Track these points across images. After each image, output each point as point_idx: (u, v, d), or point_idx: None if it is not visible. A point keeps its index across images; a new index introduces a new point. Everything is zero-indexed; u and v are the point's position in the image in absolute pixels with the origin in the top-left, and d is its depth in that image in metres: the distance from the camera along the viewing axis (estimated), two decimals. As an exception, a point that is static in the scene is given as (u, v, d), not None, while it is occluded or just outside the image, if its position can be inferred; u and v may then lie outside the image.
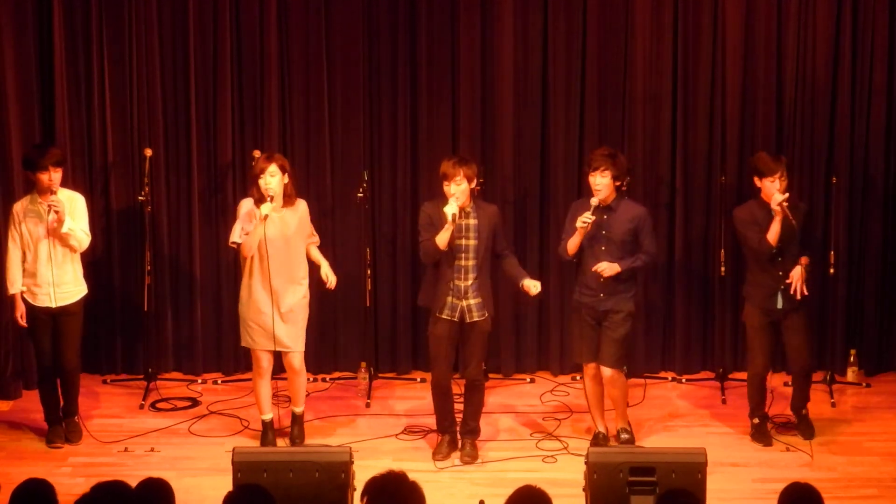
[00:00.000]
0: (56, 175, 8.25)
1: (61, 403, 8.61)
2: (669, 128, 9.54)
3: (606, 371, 8.30)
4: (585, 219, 8.10)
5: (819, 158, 9.45)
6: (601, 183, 8.16)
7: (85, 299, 8.58)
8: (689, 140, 9.54)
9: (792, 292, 8.30)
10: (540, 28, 9.45)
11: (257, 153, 8.87)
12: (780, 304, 8.38)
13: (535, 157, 9.58)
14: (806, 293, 8.33)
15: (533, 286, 8.25)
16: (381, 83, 9.52)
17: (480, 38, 9.47)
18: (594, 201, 8.14)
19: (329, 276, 8.51)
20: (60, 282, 8.37)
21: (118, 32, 9.37)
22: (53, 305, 8.39)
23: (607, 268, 8.15)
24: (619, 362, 8.34)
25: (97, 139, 9.45)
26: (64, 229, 8.25)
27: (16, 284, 8.39)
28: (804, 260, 8.38)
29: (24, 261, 8.37)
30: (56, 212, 8.21)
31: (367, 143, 9.58)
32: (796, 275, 8.31)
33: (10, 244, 8.40)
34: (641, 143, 9.49)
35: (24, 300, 8.41)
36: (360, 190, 9.22)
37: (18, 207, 8.40)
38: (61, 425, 8.59)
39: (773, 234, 8.25)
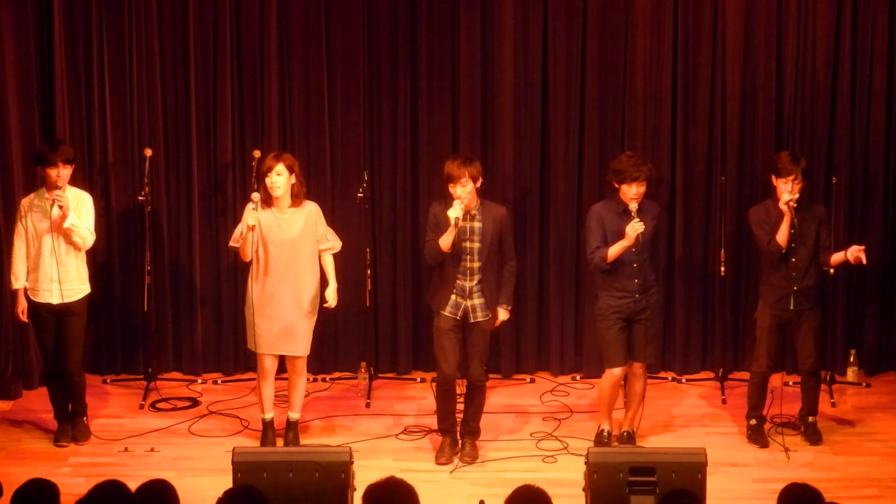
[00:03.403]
0: (65, 172, 8.28)
1: (70, 402, 8.61)
2: (669, 127, 9.54)
3: (641, 366, 8.36)
4: (638, 227, 8.06)
5: (819, 158, 9.45)
6: (638, 192, 8.15)
7: (89, 299, 8.58)
8: (689, 140, 9.54)
9: (853, 260, 8.19)
10: (540, 28, 9.45)
11: (257, 153, 8.87)
12: (791, 306, 8.37)
13: (535, 157, 9.59)
14: (864, 261, 8.23)
15: (496, 319, 8.32)
16: (381, 83, 9.52)
17: (480, 37, 9.47)
18: (634, 206, 8.12)
19: (330, 298, 8.45)
20: (64, 278, 8.36)
21: (118, 32, 9.37)
22: (55, 302, 8.38)
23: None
24: (657, 356, 8.47)
25: (97, 139, 9.45)
26: (66, 224, 8.25)
27: (20, 279, 8.40)
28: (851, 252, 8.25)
29: (27, 256, 8.39)
30: (60, 206, 8.22)
31: (367, 143, 9.58)
32: (851, 252, 8.18)
33: (16, 239, 8.42)
34: (641, 143, 9.48)
35: (27, 297, 8.42)
36: (360, 190, 9.22)
37: (26, 202, 8.43)
38: (70, 424, 8.59)
39: (782, 234, 8.25)
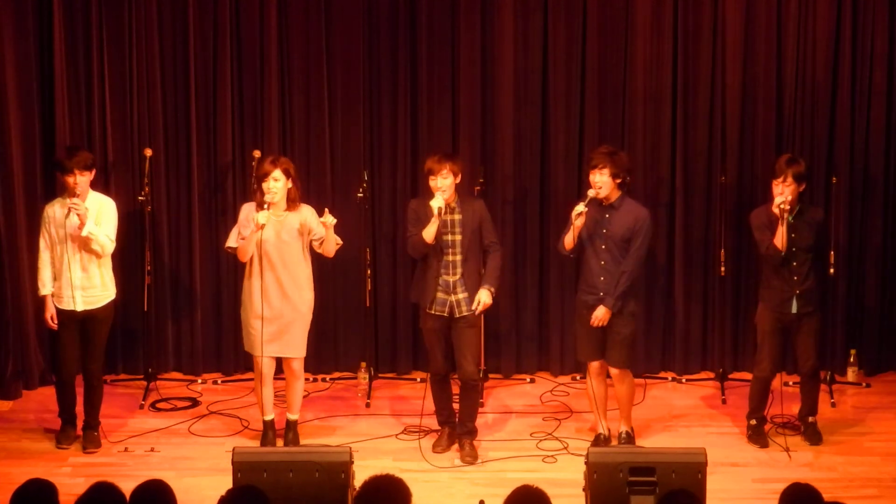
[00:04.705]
0: (82, 179, 8.20)
1: (77, 403, 8.56)
2: (669, 127, 9.53)
3: (614, 370, 8.34)
4: (578, 209, 8.11)
5: (819, 158, 9.45)
6: (600, 180, 8.19)
7: (114, 305, 8.54)
8: (689, 140, 9.54)
9: None
10: (540, 28, 9.45)
11: (257, 153, 8.88)
12: (794, 309, 8.36)
13: (535, 156, 9.59)
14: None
15: (478, 302, 8.22)
16: (381, 83, 9.52)
17: (480, 38, 9.46)
18: (591, 193, 8.16)
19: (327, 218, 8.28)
20: (87, 286, 8.33)
21: (118, 32, 9.37)
22: (78, 309, 8.34)
23: (602, 316, 8.17)
24: (627, 362, 8.37)
25: (97, 139, 9.45)
26: (84, 233, 8.18)
27: (46, 286, 8.35)
28: None
29: (52, 263, 8.36)
30: (77, 214, 8.18)
31: (367, 143, 9.58)
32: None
33: (42, 245, 8.37)
34: (641, 143, 9.49)
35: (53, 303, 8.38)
36: (360, 190, 9.22)
37: (49, 209, 8.36)
38: (73, 426, 8.57)
39: (779, 238, 8.22)
